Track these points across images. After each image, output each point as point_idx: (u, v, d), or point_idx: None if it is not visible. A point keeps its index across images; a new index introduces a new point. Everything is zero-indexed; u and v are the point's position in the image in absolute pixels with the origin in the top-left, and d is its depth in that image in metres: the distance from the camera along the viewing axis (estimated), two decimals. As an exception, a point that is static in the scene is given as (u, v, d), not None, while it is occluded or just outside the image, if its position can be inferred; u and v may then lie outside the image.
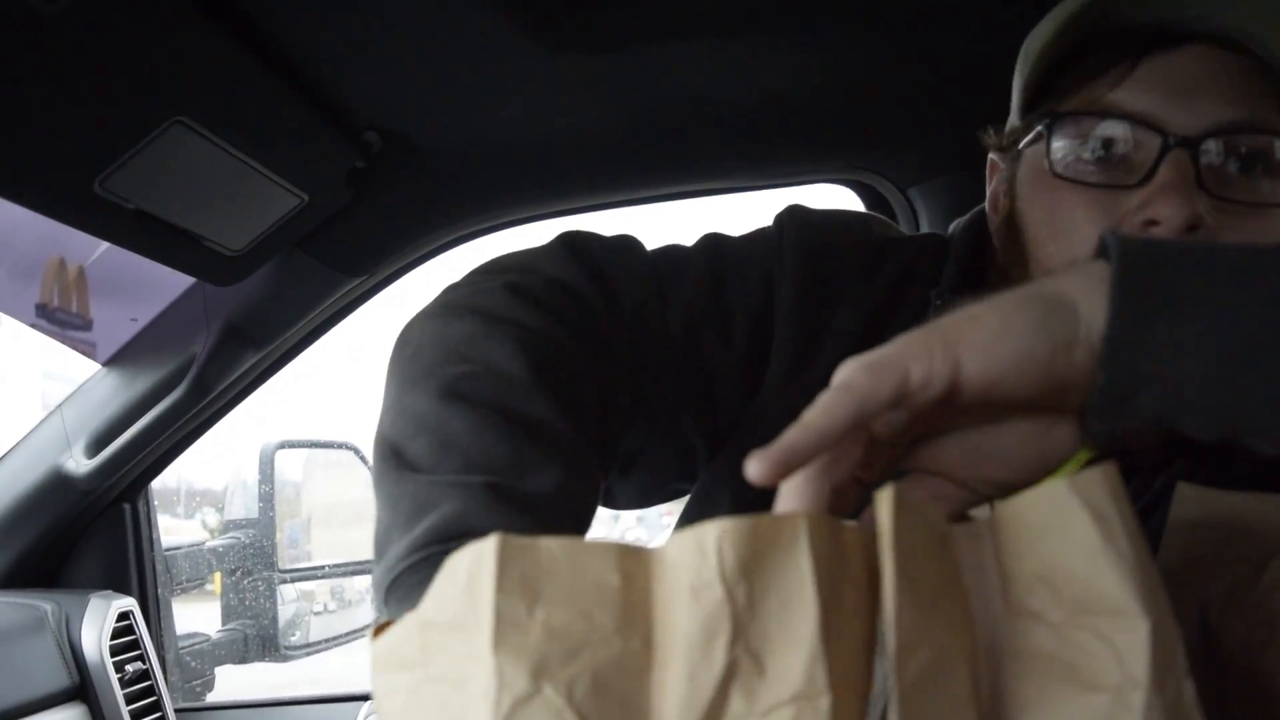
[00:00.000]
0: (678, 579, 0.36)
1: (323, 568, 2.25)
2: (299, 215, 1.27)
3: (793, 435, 0.46)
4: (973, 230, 0.85)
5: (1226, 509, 0.48)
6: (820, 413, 0.47)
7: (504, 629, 0.35)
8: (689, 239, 0.87)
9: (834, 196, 1.50)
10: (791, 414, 0.77)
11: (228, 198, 1.18)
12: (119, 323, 1.55)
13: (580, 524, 0.67)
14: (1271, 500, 0.46)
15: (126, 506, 1.72)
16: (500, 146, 1.30)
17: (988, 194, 0.81)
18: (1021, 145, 0.75)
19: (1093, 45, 0.71)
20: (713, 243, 0.86)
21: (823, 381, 0.77)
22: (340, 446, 2.15)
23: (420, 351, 0.72)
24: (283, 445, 2.08)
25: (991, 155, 0.81)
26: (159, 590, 1.79)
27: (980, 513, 0.41)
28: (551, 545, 0.37)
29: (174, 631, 1.84)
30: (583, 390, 0.73)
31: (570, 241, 0.81)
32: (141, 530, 1.75)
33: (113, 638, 1.54)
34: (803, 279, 0.82)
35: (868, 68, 1.16)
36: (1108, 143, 0.68)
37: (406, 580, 0.60)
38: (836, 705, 0.34)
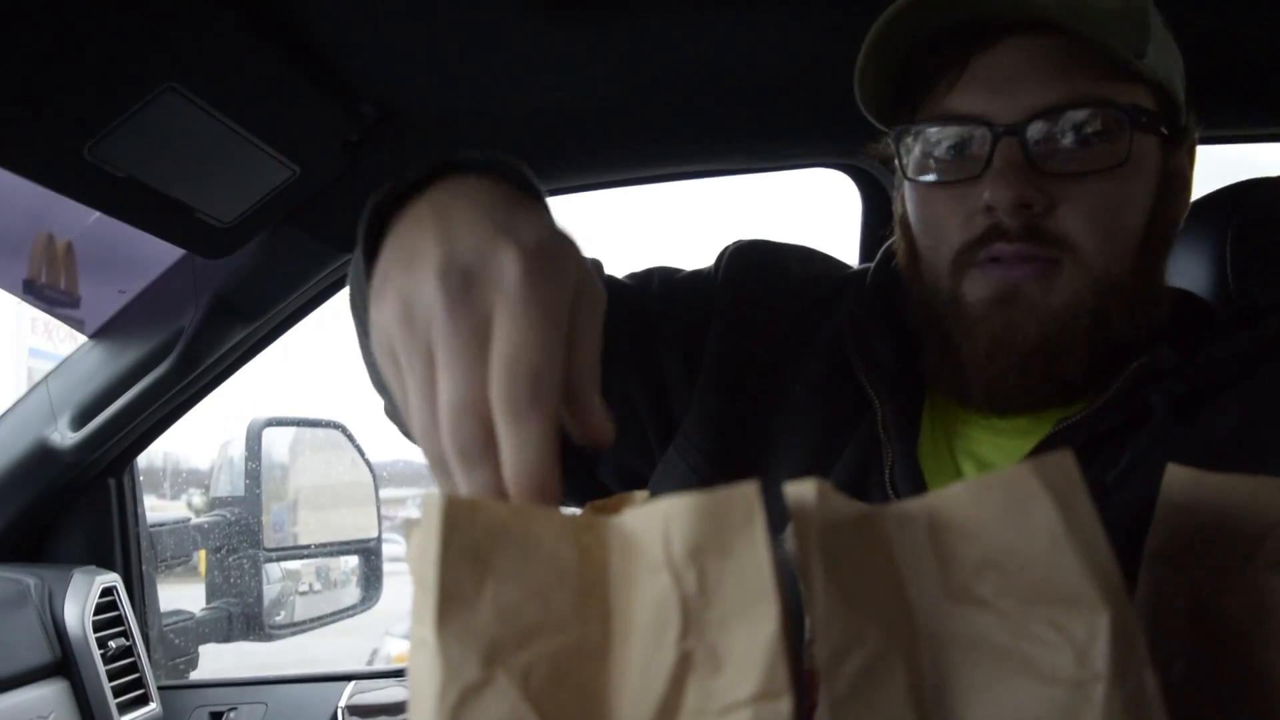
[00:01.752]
0: (636, 557, 0.34)
1: (308, 547, 2.24)
2: (291, 187, 1.25)
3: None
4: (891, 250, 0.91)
5: (1216, 490, 0.48)
6: None
7: (450, 605, 0.33)
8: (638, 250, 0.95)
9: (831, 181, 1.50)
10: (720, 439, 0.84)
11: (219, 168, 1.17)
12: (106, 295, 1.54)
13: None
14: (1262, 481, 0.46)
15: (112, 481, 1.70)
16: (496, 120, 1.29)
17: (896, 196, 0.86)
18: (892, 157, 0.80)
19: (925, 48, 0.74)
20: (659, 267, 0.95)
21: (746, 411, 0.84)
22: (328, 425, 2.14)
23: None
24: (270, 422, 2.07)
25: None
26: (143, 567, 1.78)
27: (905, 502, 0.39)
28: (502, 512, 0.34)
29: (158, 608, 1.83)
30: None
31: None
32: (126, 506, 1.74)
33: (96, 613, 1.53)
34: (730, 313, 0.89)
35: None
36: (952, 144, 0.74)
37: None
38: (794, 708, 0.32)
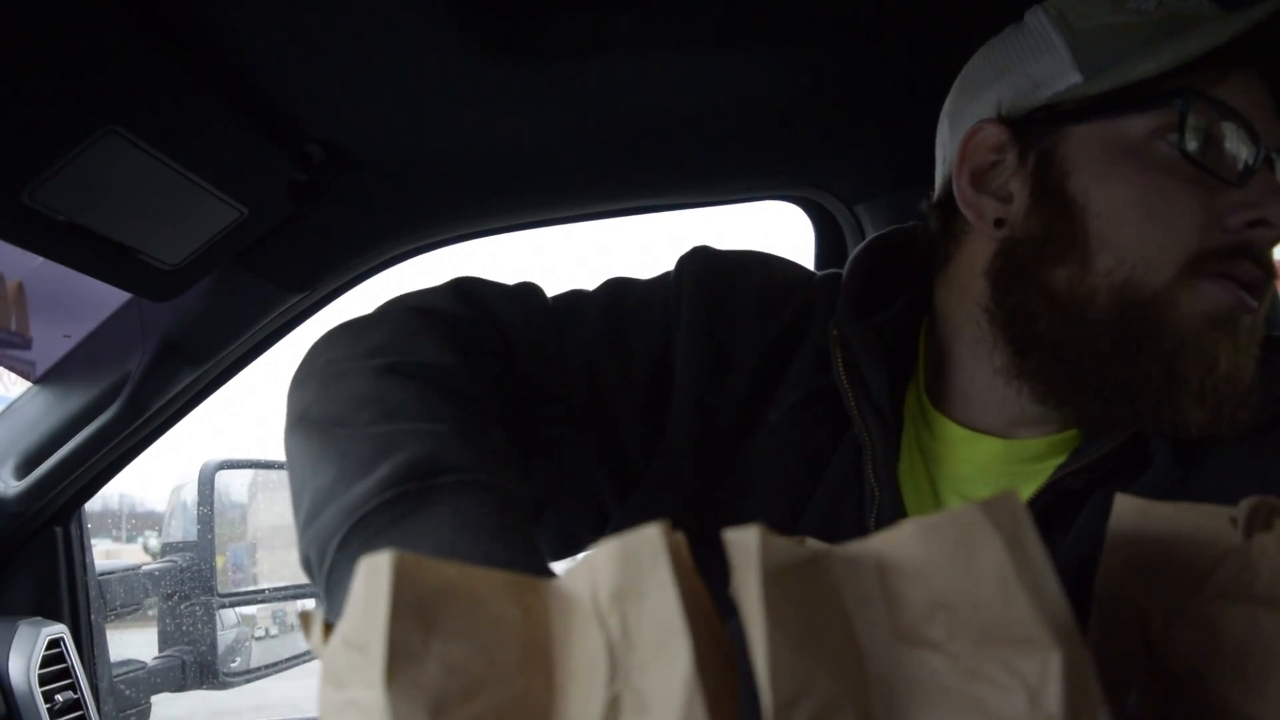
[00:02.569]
0: (573, 612, 0.35)
1: (263, 591, 2.21)
2: (238, 229, 1.24)
3: None
4: (865, 259, 0.86)
5: (1164, 520, 0.48)
6: None
7: (398, 660, 0.33)
8: (594, 282, 0.87)
9: (783, 214, 1.51)
10: (700, 455, 0.80)
11: (164, 210, 1.15)
12: (52, 339, 1.51)
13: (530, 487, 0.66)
14: (1209, 511, 0.46)
15: (58, 530, 1.67)
16: (446, 160, 1.28)
17: (969, 169, 0.78)
18: (1090, 117, 0.72)
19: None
20: (614, 286, 0.86)
21: (729, 421, 0.80)
22: (282, 467, 2.11)
23: (337, 356, 0.70)
24: (223, 465, 2.04)
25: (985, 125, 0.77)
26: (92, 616, 1.74)
27: (852, 544, 0.39)
28: (450, 572, 0.35)
29: (108, 659, 1.79)
30: (503, 397, 0.73)
31: (461, 285, 0.81)
32: (74, 555, 1.70)
33: (42, 666, 1.49)
34: (699, 319, 0.82)
35: (811, 84, 1.16)
36: (1223, 138, 0.68)
37: (376, 521, 0.56)
38: None
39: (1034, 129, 0.75)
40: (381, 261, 1.45)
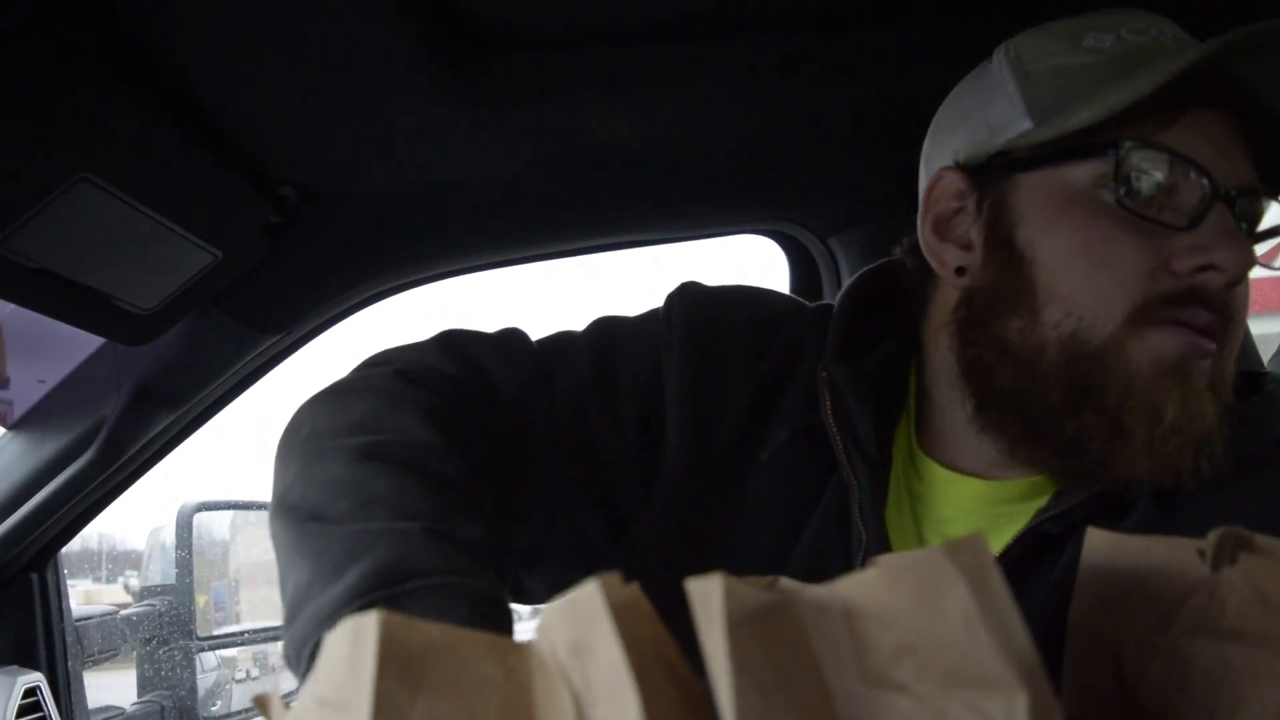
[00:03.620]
0: (546, 670, 0.35)
1: (244, 634, 2.19)
2: (213, 272, 1.24)
3: None
4: (854, 295, 0.85)
5: (1134, 553, 0.48)
6: None
7: (384, 716, 0.33)
8: (582, 323, 0.86)
9: (757, 248, 1.52)
10: (692, 495, 0.79)
11: (137, 256, 1.15)
12: (26, 385, 1.50)
13: (506, 578, 0.66)
14: (1178, 544, 0.46)
15: (34, 576, 1.65)
16: (420, 200, 1.29)
17: (931, 217, 0.78)
18: (1037, 165, 0.72)
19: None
20: (601, 327, 0.86)
21: (721, 461, 0.79)
22: (262, 507, 2.10)
23: (319, 430, 0.71)
24: (201, 507, 2.03)
25: (946, 173, 0.77)
26: (69, 663, 1.71)
27: (820, 587, 0.39)
28: (434, 632, 0.35)
29: (85, 706, 1.76)
30: (485, 468, 0.72)
31: (446, 339, 0.81)
32: (50, 601, 1.68)
33: (18, 715, 1.47)
34: (690, 359, 0.81)
35: (781, 119, 1.18)
36: (1169, 183, 0.67)
37: None
38: None
39: (990, 177, 0.74)
40: (357, 302, 1.45)
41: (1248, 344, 1.03)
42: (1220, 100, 0.69)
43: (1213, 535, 0.44)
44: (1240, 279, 0.67)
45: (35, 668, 1.61)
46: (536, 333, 0.86)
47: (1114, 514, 0.69)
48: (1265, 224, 0.74)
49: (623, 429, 0.80)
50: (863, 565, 0.73)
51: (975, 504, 0.76)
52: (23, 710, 1.49)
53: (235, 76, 0.99)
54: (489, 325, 0.85)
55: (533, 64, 1.03)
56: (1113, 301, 0.67)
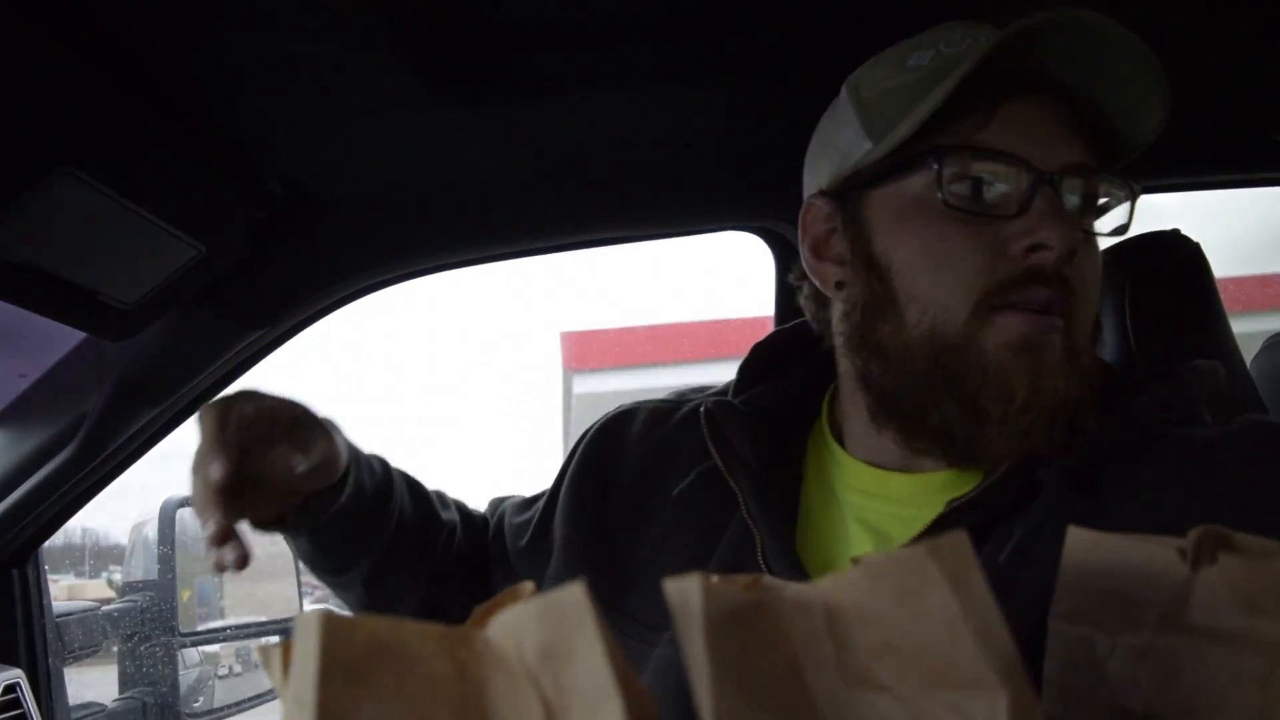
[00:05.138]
0: (505, 668, 0.35)
1: (225, 629, 2.18)
2: (197, 267, 1.23)
3: None
4: (770, 339, 0.97)
5: (1114, 552, 0.48)
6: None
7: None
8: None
9: (753, 247, 1.52)
10: (589, 549, 0.94)
11: (121, 250, 1.14)
12: (5, 379, 1.49)
13: None
14: (1157, 542, 0.46)
15: (15, 572, 1.63)
16: (403, 197, 1.29)
17: (809, 241, 0.84)
18: (881, 182, 0.78)
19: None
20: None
21: (620, 518, 0.93)
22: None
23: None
24: (184, 503, 2.01)
25: (814, 200, 0.84)
26: (50, 660, 1.70)
27: (802, 586, 0.39)
28: (379, 628, 0.34)
29: (66, 703, 1.75)
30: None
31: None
32: (31, 597, 1.66)
33: (-3, 712, 1.46)
34: (582, 455, 0.99)
35: (768, 115, 1.18)
36: (990, 178, 0.73)
37: None
38: None
39: (849, 197, 0.81)
40: (341, 297, 1.44)
41: (1231, 343, 1.03)
42: (1038, 88, 0.74)
43: (1192, 534, 0.44)
44: (1069, 253, 0.71)
45: (15, 664, 1.59)
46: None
47: (1028, 499, 0.72)
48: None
49: (528, 521, 1.03)
50: (765, 562, 0.79)
51: (898, 494, 0.81)
52: (2, 707, 1.48)
53: (221, 71, 0.98)
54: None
55: (521, 65, 1.03)
56: (958, 295, 0.73)
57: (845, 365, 0.84)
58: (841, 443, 0.86)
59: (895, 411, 0.78)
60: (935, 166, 0.74)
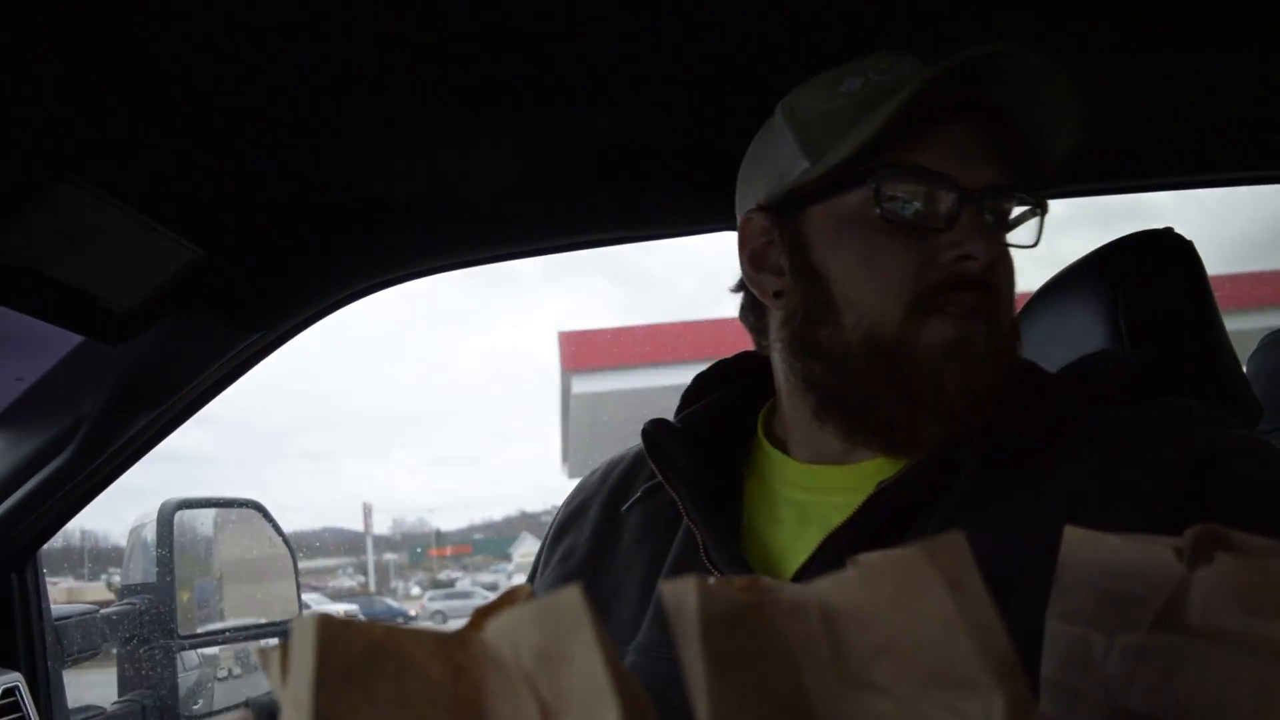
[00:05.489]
0: (502, 671, 0.35)
1: (225, 632, 2.18)
2: (195, 270, 1.23)
3: None
4: (713, 368, 1.03)
5: (1108, 551, 0.48)
6: None
7: None
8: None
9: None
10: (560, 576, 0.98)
11: (120, 254, 1.14)
12: (3, 382, 1.49)
13: None
14: (1157, 541, 0.47)
15: (14, 575, 1.63)
16: (403, 199, 1.29)
17: (747, 253, 0.91)
18: (819, 198, 0.84)
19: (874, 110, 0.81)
20: None
21: (588, 548, 0.98)
22: (243, 504, 2.09)
23: None
24: (182, 505, 2.01)
25: (752, 214, 0.90)
26: (49, 663, 1.70)
27: (798, 587, 0.39)
28: (376, 632, 0.34)
29: (65, 706, 1.75)
30: None
31: None
32: (30, 600, 1.66)
33: (-3, 716, 1.46)
34: (563, 508, 1.06)
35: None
36: (923, 195, 0.81)
37: None
38: None
39: (787, 212, 0.87)
40: (339, 299, 1.45)
41: (1224, 340, 1.03)
42: (963, 114, 0.82)
43: (1189, 533, 0.44)
44: (992, 262, 0.80)
45: (14, 668, 1.59)
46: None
47: (946, 479, 0.79)
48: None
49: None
50: (709, 559, 0.84)
51: (835, 485, 0.87)
52: (1, 710, 1.48)
53: (220, 76, 0.98)
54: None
55: (519, 70, 1.03)
56: (892, 300, 0.81)
57: (785, 370, 0.90)
58: (783, 449, 0.93)
59: (838, 407, 0.85)
60: (874, 184, 0.81)
